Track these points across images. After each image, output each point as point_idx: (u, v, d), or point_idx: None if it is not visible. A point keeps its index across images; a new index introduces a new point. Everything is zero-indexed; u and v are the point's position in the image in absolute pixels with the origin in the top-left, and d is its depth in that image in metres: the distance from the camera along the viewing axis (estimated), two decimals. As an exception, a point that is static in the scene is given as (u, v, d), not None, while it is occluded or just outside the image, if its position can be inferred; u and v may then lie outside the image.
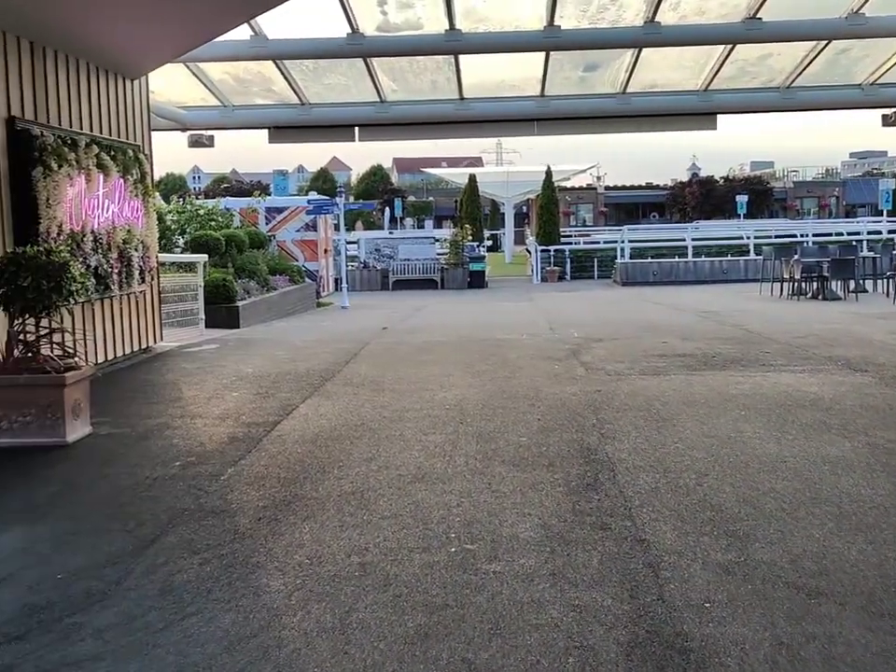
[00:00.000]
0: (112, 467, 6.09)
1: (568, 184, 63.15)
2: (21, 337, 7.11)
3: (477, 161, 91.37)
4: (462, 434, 6.68)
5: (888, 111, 14.09)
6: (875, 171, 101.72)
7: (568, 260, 33.63)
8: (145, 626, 3.53)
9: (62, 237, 8.84)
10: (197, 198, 26.49)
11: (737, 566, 3.99)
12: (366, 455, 6.12)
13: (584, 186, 78.05)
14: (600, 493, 5.14)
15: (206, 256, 15.23)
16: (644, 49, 12.60)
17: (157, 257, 11.94)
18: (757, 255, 31.57)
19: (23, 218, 8.49)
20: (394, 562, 4.12)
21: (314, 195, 71.48)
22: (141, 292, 11.12)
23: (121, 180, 10.33)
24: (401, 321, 16.90)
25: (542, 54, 12.60)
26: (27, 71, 8.78)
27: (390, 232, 54.92)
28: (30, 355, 7.03)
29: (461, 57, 12.64)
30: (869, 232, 37.89)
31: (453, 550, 4.27)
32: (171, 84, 13.62)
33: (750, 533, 4.41)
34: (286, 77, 13.04)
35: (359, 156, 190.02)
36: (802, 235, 35.82)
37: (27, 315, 7.17)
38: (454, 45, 11.47)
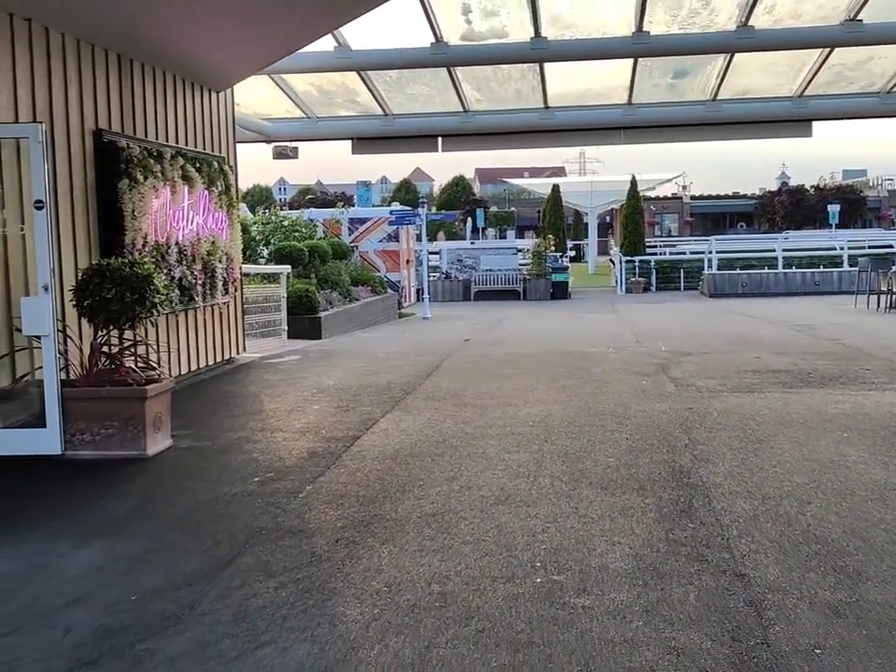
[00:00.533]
0: (191, 481, 6.03)
1: (653, 193, 62.21)
2: (105, 349, 7.14)
3: (559, 171, 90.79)
4: (547, 453, 6.44)
5: None
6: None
7: (654, 271, 33.00)
8: (217, 655, 3.39)
9: (146, 248, 8.89)
10: (282, 209, 26.76)
11: (849, 606, 3.67)
12: (447, 474, 5.93)
13: (669, 195, 76.93)
14: (695, 520, 4.84)
15: (290, 267, 15.29)
16: (736, 55, 12.19)
17: (241, 268, 11.99)
18: (851, 266, 30.55)
19: (109, 230, 8.56)
20: (476, 592, 3.91)
21: (396, 206, 72.21)
22: (224, 303, 11.16)
23: (206, 192, 10.38)
24: (483, 332, 16.71)
25: (630, 61, 12.30)
26: (115, 84, 8.87)
27: (472, 243, 54.93)
28: (113, 367, 7.04)
29: (546, 65, 12.42)
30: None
31: (538, 580, 4.04)
32: (256, 96, 13.72)
33: (861, 569, 4.07)
34: (369, 88, 13.00)
35: (442, 166, 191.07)
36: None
37: (111, 327, 7.20)
38: (539, 53, 11.26)
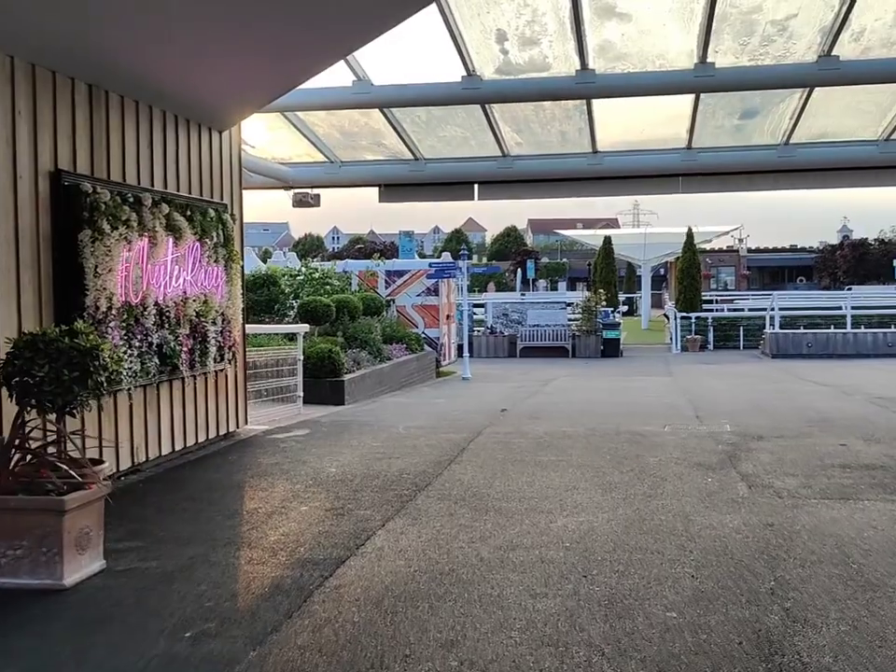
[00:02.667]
0: (103, 633, 4.50)
1: (708, 246, 60.30)
2: (30, 442, 5.68)
3: (613, 223, 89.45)
4: (584, 598, 4.80)
5: None
6: None
7: (711, 329, 31.18)
8: None
9: (113, 311, 7.49)
10: (334, 259, 25.51)
11: None
12: (445, 636, 4.32)
13: (725, 248, 75.00)
14: (804, 758, 3.17)
15: (307, 326, 13.88)
16: (814, 92, 10.61)
17: (243, 329, 10.58)
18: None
19: (66, 289, 7.18)
20: None
21: (447, 256, 71.15)
22: (219, 371, 9.74)
23: (198, 243, 9.00)
24: (524, 399, 15.08)
25: (691, 98, 10.79)
26: (83, 118, 7.55)
27: (522, 294, 53.45)
28: (36, 465, 5.58)
29: (595, 104, 10.96)
30: None
31: None
32: (274, 139, 12.47)
33: None
34: (395, 130, 11.64)
35: (495, 217, 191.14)
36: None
37: (48, 413, 5.76)
38: (586, 87, 9.80)
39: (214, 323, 9.37)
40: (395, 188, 13.09)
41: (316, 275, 19.43)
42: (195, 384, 9.28)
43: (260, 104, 9.26)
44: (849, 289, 54.02)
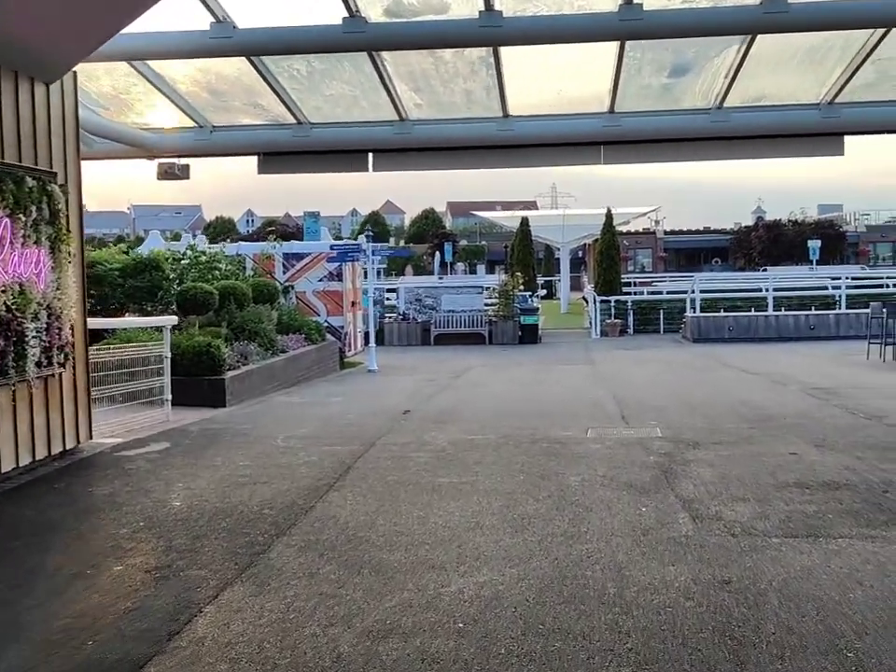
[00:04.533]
0: None
1: (625, 228, 59.64)
2: None
3: (532, 205, 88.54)
4: (478, 735, 3.23)
5: None
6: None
7: (631, 312, 30.08)
8: None
9: None
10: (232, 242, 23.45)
11: None
12: None
13: (642, 230, 74.88)
14: None
15: (174, 318, 12.02)
16: (753, 46, 9.22)
17: (83, 325, 8.74)
18: (850, 308, 27.80)
19: None
20: None
21: (361, 239, 69.19)
22: (49, 377, 7.91)
23: (7, 220, 7.14)
24: (432, 396, 13.51)
25: (614, 51, 9.29)
26: None
27: (440, 278, 52.00)
28: None
29: (504, 56, 9.38)
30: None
31: None
32: (131, 101, 10.60)
33: None
34: (271, 87, 9.89)
35: (414, 198, 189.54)
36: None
37: None
38: (491, 33, 8.21)
39: (35, 319, 7.53)
40: (276, 157, 11.33)
41: (203, 259, 17.51)
42: (12, 393, 7.44)
43: (92, 43, 7.43)
44: (764, 270, 53.99)
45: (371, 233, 20.45)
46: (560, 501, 6.53)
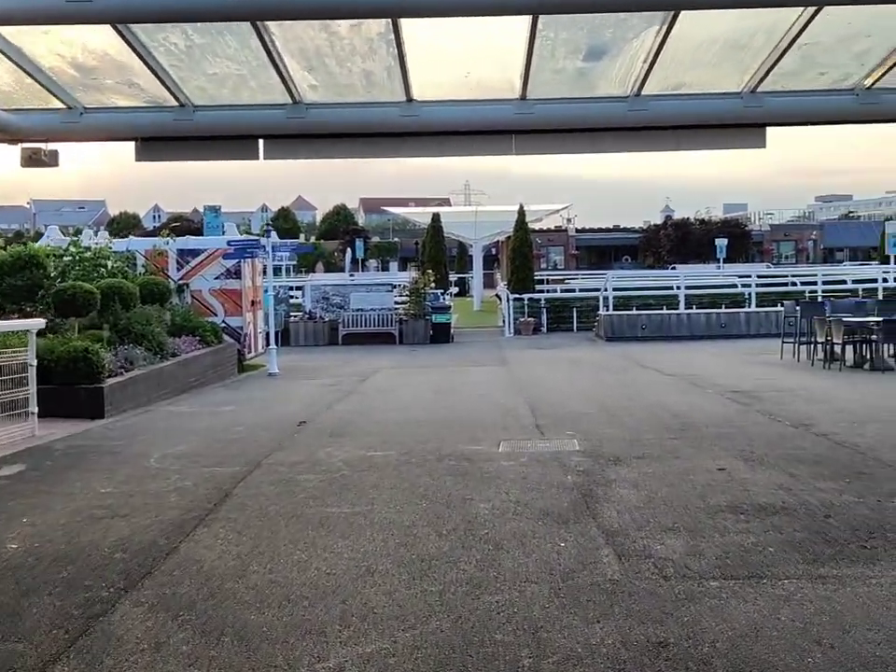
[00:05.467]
0: None
1: (538, 226, 59.46)
2: None
3: (446, 202, 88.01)
4: None
5: None
6: (851, 214, 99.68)
7: (544, 310, 29.54)
8: None
9: None
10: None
11: None
12: None
13: (554, 228, 75.10)
14: None
15: (41, 322, 10.79)
16: (674, 27, 8.51)
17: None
18: (759, 307, 27.79)
19: None
20: None
21: (274, 236, 67.25)
22: None
23: None
24: (333, 404, 12.53)
25: (525, 29, 8.47)
26: None
27: (351, 275, 50.85)
28: None
29: (405, 33, 8.45)
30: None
31: None
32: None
33: None
34: (147, 64, 8.79)
35: (326, 195, 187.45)
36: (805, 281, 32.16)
37: None
38: (389, 1, 7.30)
39: None
40: (155, 142, 10.20)
41: (88, 255, 16.16)
42: None
43: None
44: (673, 268, 54.37)
45: (270, 228, 19.30)
46: (467, 536, 5.66)
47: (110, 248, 16.99)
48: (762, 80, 9.68)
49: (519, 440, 9.14)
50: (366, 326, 26.51)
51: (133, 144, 10.26)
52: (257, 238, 19.39)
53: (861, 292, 30.43)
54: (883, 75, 9.50)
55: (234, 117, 10.03)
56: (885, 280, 32.18)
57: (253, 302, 19.64)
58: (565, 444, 8.75)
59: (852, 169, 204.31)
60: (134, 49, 8.59)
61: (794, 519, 5.87)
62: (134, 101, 10.09)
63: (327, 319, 26.62)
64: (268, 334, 19.59)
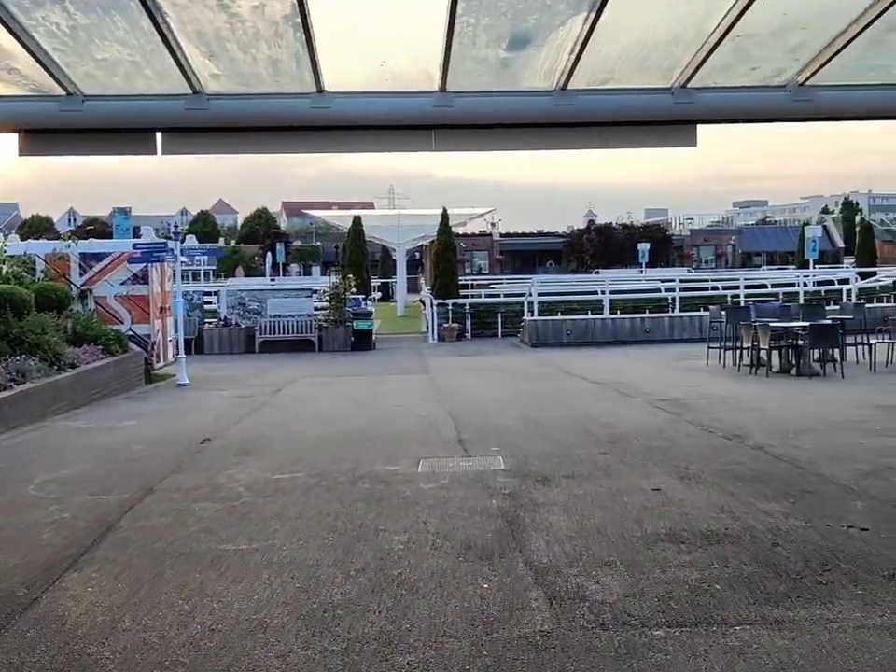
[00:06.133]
0: None
1: (462, 230, 59.18)
2: None
3: (369, 206, 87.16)
4: None
5: (935, 123, 9.87)
6: (768, 219, 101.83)
7: (468, 316, 29.02)
8: None
9: None
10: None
11: None
12: None
13: (478, 232, 75.01)
14: None
15: None
16: (603, 14, 7.97)
17: None
18: (683, 311, 27.71)
19: None
20: None
21: (192, 239, 65.67)
22: None
23: None
24: (243, 417, 11.69)
25: (444, 14, 7.83)
26: None
27: (271, 279, 49.72)
28: None
29: (314, 16, 7.73)
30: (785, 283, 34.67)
31: None
32: None
33: None
34: (26, 47, 7.89)
35: (248, 198, 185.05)
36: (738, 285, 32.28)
37: None
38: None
39: None
40: (40, 135, 9.27)
41: (-22, 259, 15.03)
42: None
43: None
44: (597, 272, 54.59)
45: (178, 232, 18.32)
46: (378, 577, 4.97)
47: (4, 252, 15.85)
48: (693, 75, 9.19)
49: (440, 457, 8.48)
50: (284, 333, 25.63)
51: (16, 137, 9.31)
52: (164, 241, 18.36)
53: (781, 296, 30.73)
54: (817, 70, 9.09)
55: (128, 107, 9.15)
56: (804, 284, 32.55)
57: (162, 309, 18.61)
58: (489, 462, 8.12)
59: (768, 175, 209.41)
60: (10, 29, 7.69)
61: (740, 548, 5.33)
62: (16, 89, 9.13)
63: (243, 326, 25.67)
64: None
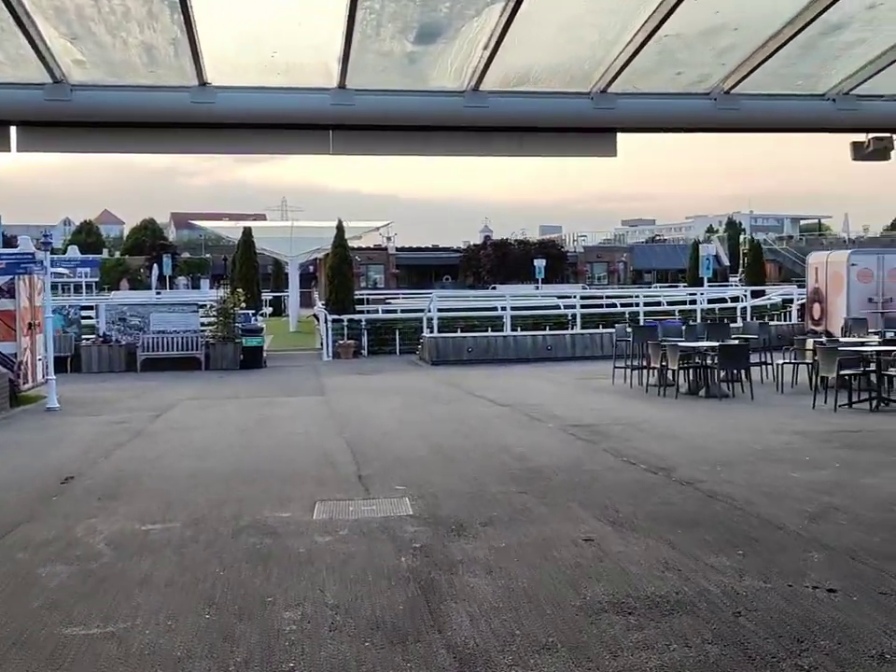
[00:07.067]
0: None
1: (357, 243, 58.17)
2: None
3: (261, 218, 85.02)
4: None
5: (860, 137, 9.42)
6: (657, 237, 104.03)
7: (365, 332, 28.01)
8: None
9: None
10: None
11: None
12: None
13: (374, 246, 74.18)
14: None
15: None
16: (522, 5, 7.18)
17: None
18: (584, 329, 27.34)
19: None
20: None
21: (73, 250, 62.26)
22: None
23: None
24: (116, 449, 10.41)
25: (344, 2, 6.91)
26: None
27: (157, 293, 47.63)
28: None
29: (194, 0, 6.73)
30: (683, 302, 34.90)
31: None
32: None
33: None
34: None
35: (135, 208, 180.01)
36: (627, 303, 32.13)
37: None
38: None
39: None
40: None
41: None
42: None
43: None
44: (493, 288, 54.35)
45: (49, 241, 16.76)
46: (263, 675, 3.96)
47: None
48: (614, 79, 8.45)
49: (339, 499, 7.48)
50: (168, 350, 24.12)
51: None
52: (31, 252, 16.79)
53: (677, 313, 30.77)
54: (744, 77, 8.50)
55: (-26, 95, 7.89)
56: (694, 302, 32.72)
57: (31, 325, 17.00)
58: (395, 505, 7.16)
59: (656, 195, 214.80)
60: None
61: (698, 620, 4.52)
62: None
63: (124, 343, 24.02)
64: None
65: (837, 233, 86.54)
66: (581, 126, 8.98)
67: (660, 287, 57.18)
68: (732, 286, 50.31)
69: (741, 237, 77.68)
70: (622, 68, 8.31)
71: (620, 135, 9.16)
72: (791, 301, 32.12)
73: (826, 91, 8.99)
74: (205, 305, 26.22)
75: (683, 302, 34.80)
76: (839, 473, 8.06)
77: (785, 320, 30.88)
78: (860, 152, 9.42)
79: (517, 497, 7.36)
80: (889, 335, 17.53)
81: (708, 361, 15.30)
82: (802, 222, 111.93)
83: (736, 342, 15.86)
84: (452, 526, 6.41)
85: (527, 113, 8.83)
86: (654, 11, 7.38)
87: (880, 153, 9.26)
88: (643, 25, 7.63)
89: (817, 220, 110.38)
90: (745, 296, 32.73)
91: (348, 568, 5.48)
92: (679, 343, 15.30)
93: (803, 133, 9.61)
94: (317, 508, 7.12)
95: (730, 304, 33.54)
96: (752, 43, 8.02)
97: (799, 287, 32.03)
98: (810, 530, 6.17)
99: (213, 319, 25.16)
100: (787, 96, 8.96)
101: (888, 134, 9.22)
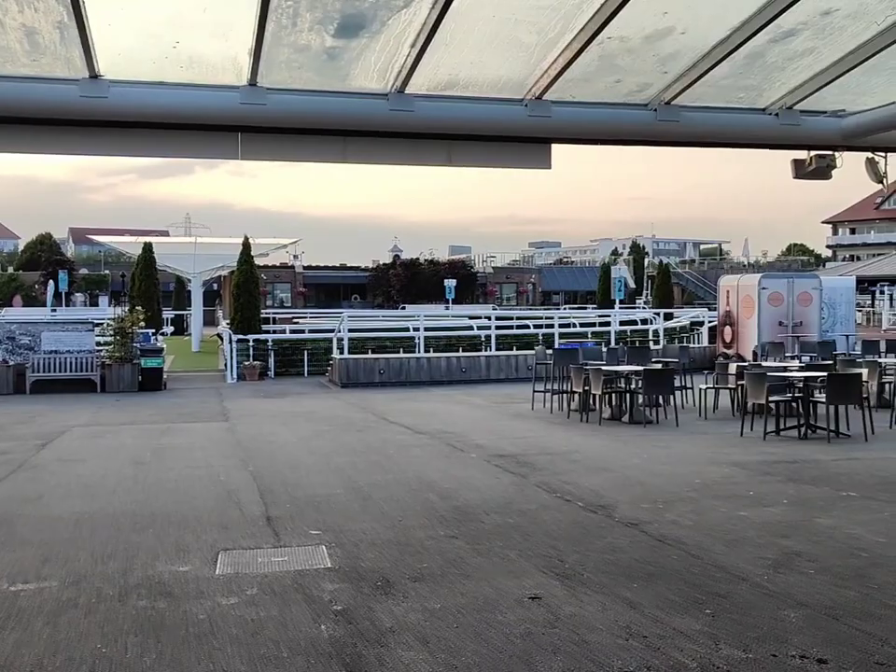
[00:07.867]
0: None
1: (263, 261, 56.72)
2: None
3: (164, 234, 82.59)
4: None
5: (801, 154, 9.00)
6: (564, 259, 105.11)
7: (272, 353, 26.87)
8: None
9: None
10: None
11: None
12: None
13: (280, 264, 72.83)
14: None
15: None
16: (454, 1, 6.49)
17: None
18: (499, 350, 26.78)
19: None
20: None
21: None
22: None
23: None
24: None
25: (258, -20, 6.10)
26: None
27: (53, 310, 45.54)
28: None
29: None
30: (599, 323, 34.76)
31: None
32: None
33: None
34: None
35: (30, 223, 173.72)
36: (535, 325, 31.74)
37: None
38: None
39: None
40: None
41: None
42: None
43: None
44: (403, 308, 53.66)
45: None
46: None
47: None
48: (550, 85, 7.85)
49: (245, 547, 6.57)
50: (61, 371, 22.58)
51: None
52: None
53: (590, 335, 30.51)
54: (686, 87, 7.98)
55: None
56: (608, 324, 32.48)
57: None
58: (310, 555, 6.29)
59: (560, 219, 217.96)
60: None
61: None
62: None
63: (11, 363, 22.39)
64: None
65: (736, 257, 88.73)
66: (515, 135, 8.33)
67: (569, 309, 57.35)
68: (639, 308, 50.76)
69: (645, 260, 78.90)
70: (559, 74, 7.71)
71: (554, 146, 8.57)
72: (700, 323, 32.19)
73: (768, 105, 8.55)
74: (102, 324, 24.74)
75: (594, 324, 34.65)
76: (791, 512, 7.53)
77: (696, 343, 30.90)
78: (801, 170, 9.01)
79: (448, 544, 6.57)
80: (805, 360, 17.42)
81: (632, 386, 14.86)
82: (702, 246, 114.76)
83: (659, 365, 15.42)
84: (377, 582, 5.59)
85: (457, 119, 8.13)
86: (599, 9, 6.76)
87: (822, 171, 8.85)
88: (586, 25, 7.03)
89: (717, 245, 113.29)
90: (654, 318, 32.68)
91: (257, 641, 4.60)
92: (603, 368, 14.77)
93: (743, 149, 9.15)
94: (220, 559, 6.21)
95: (641, 327, 33.45)
96: (698, 50, 7.49)
97: (710, 309, 32.09)
98: (776, 582, 5.55)
99: (110, 339, 23.71)
100: (729, 109, 8.48)
101: (830, 152, 8.84)
